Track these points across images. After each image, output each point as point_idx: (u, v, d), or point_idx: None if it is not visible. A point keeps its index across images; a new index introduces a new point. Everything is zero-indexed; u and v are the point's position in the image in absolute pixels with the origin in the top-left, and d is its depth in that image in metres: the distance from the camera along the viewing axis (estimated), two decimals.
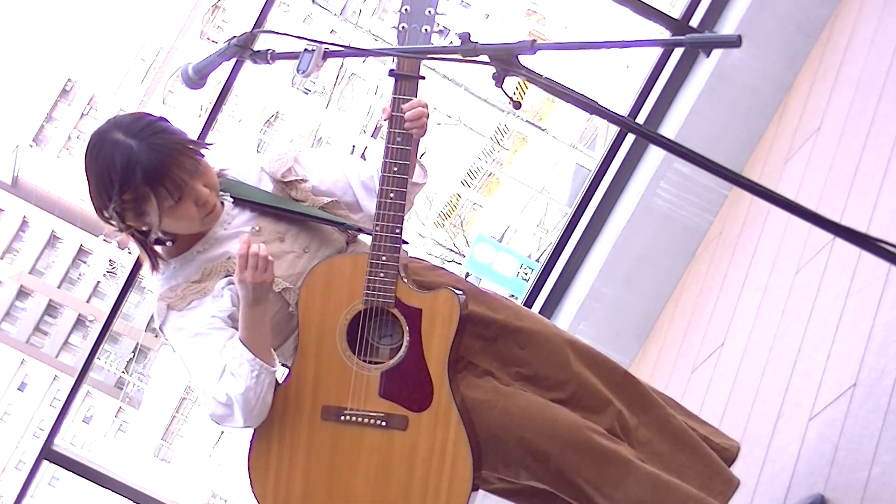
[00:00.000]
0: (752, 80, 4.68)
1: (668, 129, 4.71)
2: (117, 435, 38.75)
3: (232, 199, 2.60)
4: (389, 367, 2.54)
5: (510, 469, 2.59)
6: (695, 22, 4.73)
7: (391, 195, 2.51)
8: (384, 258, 2.51)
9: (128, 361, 38.92)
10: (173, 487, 27.47)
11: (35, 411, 39.65)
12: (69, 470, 4.39)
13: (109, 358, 38.28)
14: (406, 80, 2.51)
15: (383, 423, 2.53)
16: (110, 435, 38.82)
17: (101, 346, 4.57)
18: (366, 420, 2.53)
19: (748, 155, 4.71)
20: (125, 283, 4.47)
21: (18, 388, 40.70)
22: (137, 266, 4.46)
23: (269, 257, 2.42)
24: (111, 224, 2.50)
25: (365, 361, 2.54)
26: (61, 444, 4.41)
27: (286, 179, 2.64)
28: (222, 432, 32.32)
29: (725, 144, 4.67)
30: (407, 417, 2.53)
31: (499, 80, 2.08)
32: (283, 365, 2.61)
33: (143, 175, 2.40)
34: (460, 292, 2.57)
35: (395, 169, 2.51)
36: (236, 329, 2.52)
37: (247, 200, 2.61)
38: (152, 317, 2.63)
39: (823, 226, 1.92)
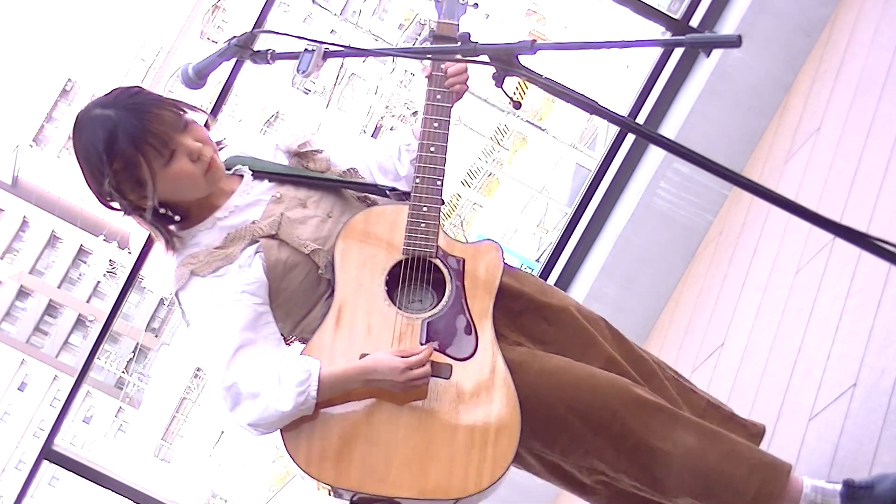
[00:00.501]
0: (752, 80, 4.68)
1: (668, 129, 4.71)
2: (117, 435, 38.78)
3: (251, 172, 2.56)
4: (432, 316, 2.46)
5: (549, 432, 2.49)
6: (695, 22, 4.73)
7: (431, 149, 2.50)
8: (425, 209, 2.48)
9: (128, 361, 38.94)
10: (173, 487, 27.47)
11: (35, 411, 39.66)
12: (69, 470, 4.39)
13: (109, 358, 38.30)
14: (445, 42, 2.53)
15: None
16: (110, 435, 38.84)
17: (101, 346, 4.57)
18: None
19: (748, 155, 4.71)
20: (125, 283, 4.47)
21: (18, 388, 40.71)
22: (137, 266, 4.46)
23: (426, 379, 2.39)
24: (114, 207, 2.44)
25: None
26: (61, 444, 4.41)
27: (302, 150, 2.61)
28: (222, 432, 32.34)
29: (725, 144, 4.67)
30: (451, 366, 2.43)
31: (499, 80, 2.08)
32: (300, 340, 2.54)
33: (125, 138, 2.36)
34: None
35: (436, 125, 2.51)
36: (265, 304, 2.44)
37: (265, 172, 2.56)
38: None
39: (823, 226, 1.92)
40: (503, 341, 2.52)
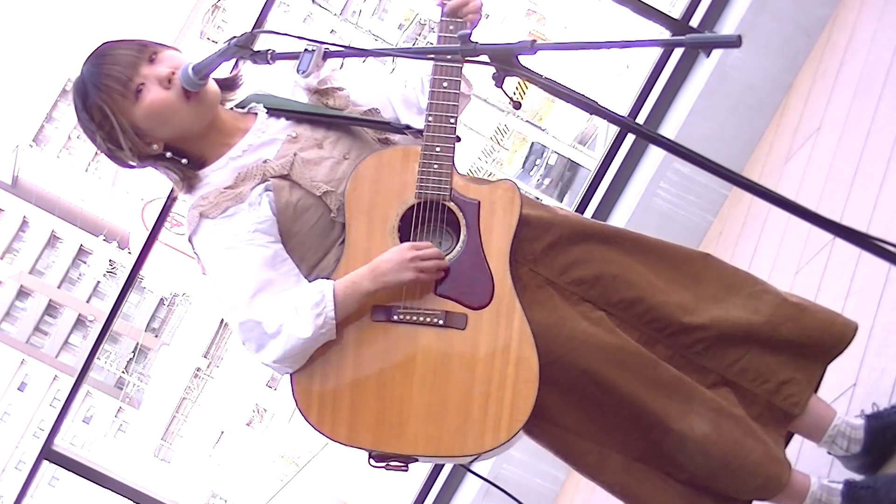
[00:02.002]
0: (752, 80, 4.68)
1: (668, 129, 4.71)
2: (117, 435, 38.75)
3: (266, 109, 2.52)
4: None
5: (568, 400, 2.44)
6: (695, 22, 4.74)
7: (444, 84, 2.39)
8: (438, 149, 2.38)
9: (128, 361, 38.92)
10: (173, 487, 27.47)
11: (35, 411, 39.65)
12: (69, 470, 4.39)
13: (109, 358, 38.28)
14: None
15: (440, 322, 2.35)
16: (110, 435, 38.82)
17: (101, 346, 4.57)
18: (421, 318, 2.35)
19: (748, 155, 4.71)
20: (125, 283, 4.47)
21: (18, 388, 40.69)
22: (137, 266, 4.47)
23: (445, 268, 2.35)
24: (129, 163, 2.44)
25: None
26: (61, 444, 4.41)
27: (322, 87, 2.56)
28: (222, 432, 32.33)
29: (725, 144, 4.67)
30: (466, 315, 2.35)
31: (499, 80, 2.07)
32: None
33: (92, 89, 2.38)
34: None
35: (448, 58, 2.40)
36: (279, 242, 2.39)
37: (281, 110, 2.52)
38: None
39: (823, 226, 1.92)
40: (533, 280, 2.45)
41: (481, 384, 2.34)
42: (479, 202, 2.40)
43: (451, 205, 2.40)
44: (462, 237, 2.40)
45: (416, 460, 2.38)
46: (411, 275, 2.34)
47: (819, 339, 2.56)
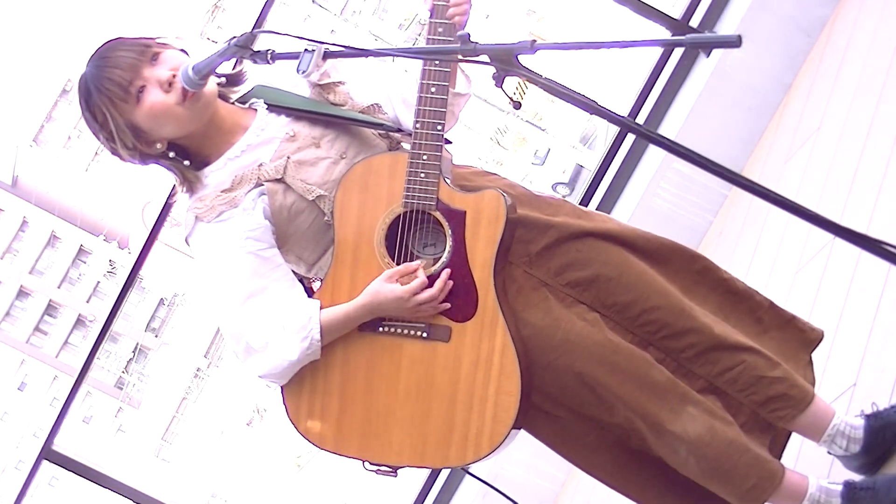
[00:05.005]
0: (752, 80, 4.68)
1: (668, 129, 4.71)
2: (117, 435, 38.77)
3: (266, 105, 2.52)
4: (431, 274, 2.39)
5: (563, 401, 2.46)
6: (695, 22, 4.74)
7: (432, 90, 2.37)
8: (425, 157, 2.37)
9: (128, 361, 38.92)
10: (173, 487, 27.48)
11: (35, 411, 39.65)
12: (69, 470, 4.40)
13: (109, 358, 38.28)
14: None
15: (424, 335, 2.40)
16: (110, 435, 38.83)
17: (101, 346, 4.57)
18: (406, 331, 2.40)
19: (748, 155, 4.71)
20: (125, 283, 4.47)
21: (18, 388, 40.69)
22: (137, 266, 4.47)
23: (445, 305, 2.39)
24: (125, 156, 2.44)
25: None
26: (61, 445, 4.41)
27: (323, 82, 2.55)
28: (222, 432, 32.35)
29: (725, 144, 4.67)
30: (450, 328, 2.39)
31: (499, 80, 2.07)
32: (319, 280, 2.49)
33: (94, 90, 2.38)
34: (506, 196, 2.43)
35: (437, 62, 2.39)
36: (272, 248, 2.42)
37: (281, 106, 2.52)
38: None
39: (823, 226, 1.91)
40: (528, 282, 2.46)
41: (464, 397, 2.38)
42: (465, 212, 2.40)
43: (438, 215, 2.40)
44: (447, 248, 2.40)
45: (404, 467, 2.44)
46: (409, 314, 2.39)
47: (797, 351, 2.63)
